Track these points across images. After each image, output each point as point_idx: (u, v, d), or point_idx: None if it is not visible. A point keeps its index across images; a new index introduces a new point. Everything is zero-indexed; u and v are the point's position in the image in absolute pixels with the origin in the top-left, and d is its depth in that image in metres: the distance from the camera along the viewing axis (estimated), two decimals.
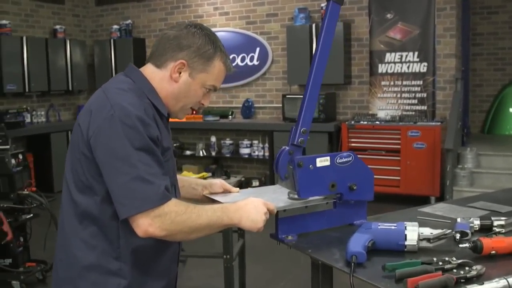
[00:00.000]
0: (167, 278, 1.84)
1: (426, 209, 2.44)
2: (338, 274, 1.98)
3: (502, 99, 8.57)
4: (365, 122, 7.27)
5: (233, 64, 8.23)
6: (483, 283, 1.49)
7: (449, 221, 2.20)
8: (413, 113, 7.29)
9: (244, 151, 8.37)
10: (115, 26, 9.32)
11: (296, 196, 2.03)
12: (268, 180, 8.07)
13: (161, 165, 1.67)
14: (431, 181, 6.77)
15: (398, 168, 6.92)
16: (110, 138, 1.61)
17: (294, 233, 2.01)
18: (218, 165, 8.55)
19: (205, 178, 4.43)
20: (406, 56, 7.28)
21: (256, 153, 8.28)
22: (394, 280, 1.59)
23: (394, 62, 7.36)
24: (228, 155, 8.52)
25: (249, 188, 2.27)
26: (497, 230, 2.04)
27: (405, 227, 1.83)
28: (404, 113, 7.35)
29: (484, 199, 2.59)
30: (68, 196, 1.73)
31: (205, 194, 2.13)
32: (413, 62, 7.25)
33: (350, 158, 2.06)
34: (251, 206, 1.77)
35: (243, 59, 8.52)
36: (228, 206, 1.76)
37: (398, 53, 7.33)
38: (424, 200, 6.78)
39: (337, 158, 2.03)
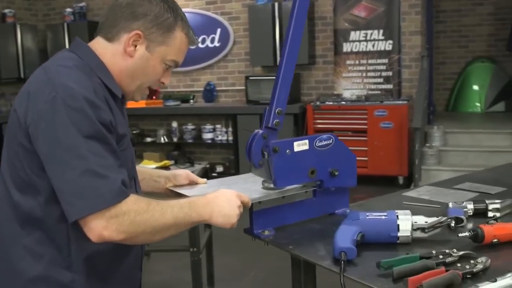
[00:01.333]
0: (129, 287, 1.59)
1: (411, 193, 2.25)
2: (321, 271, 1.78)
3: (466, 77, 8.50)
4: (331, 103, 7.09)
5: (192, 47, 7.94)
6: (495, 280, 1.29)
7: (439, 206, 2.01)
8: (379, 92, 7.15)
9: (207, 136, 8.11)
10: (68, 9, 8.88)
11: (271, 186, 1.81)
12: (232, 166, 7.85)
13: (116, 155, 1.41)
14: (398, 161, 6.66)
15: (366, 148, 6.78)
16: (53, 125, 1.34)
17: (271, 227, 1.79)
18: (180, 151, 8.28)
19: (167, 167, 4.17)
20: (371, 34, 7.12)
21: (220, 137, 8.03)
22: (392, 279, 1.39)
23: (359, 41, 7.20)
24: (190, 141, 8.24)
25: (217, 179, 2.03)
26: (492, 214, 1.87)
27: (397, 216, 1.63)
28: (370, 92, 7.20)
29: (469, 179, 2.41)
30: (6, 196, 1.45)
31: (168, 187, 1.88)
32: (378, 40, 7.10)
33: (331, 141, 1.84)
34: (223, 199, 1.54)
35: (203, 41, 8.21)
36: (196, 201, 1.52)
37: (363, 31, 7.16)
38: (392, 180, 6.69)
39: (316, 141, 1.81)
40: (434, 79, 8.46)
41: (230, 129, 7.85)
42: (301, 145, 1.78)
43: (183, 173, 1.91)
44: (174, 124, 8.23)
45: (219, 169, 7.94)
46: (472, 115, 8.34)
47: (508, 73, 8.47)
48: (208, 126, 8.09)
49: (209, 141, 8.12)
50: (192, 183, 1.92)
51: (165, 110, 8.16)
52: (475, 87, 8.44)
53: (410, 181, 6.67)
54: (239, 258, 4.62)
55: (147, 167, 1.97)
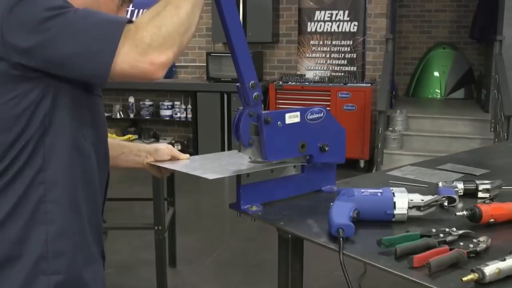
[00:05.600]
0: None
1: (395, 172, 2.20)
2: (308, 248, 1.71)
3: (427, 62, 8.56)
4: (294, 83, 7.02)
5: None
6: (504, 259, 1.24)
7: (426, 186, 1.97)
8: (342, 74, 7.11)
9: (165, 112, 7.91)
10: None
11: (259, 159, 1.71)
12: (191, 144, 7.70)
13: None
14: (360, 144, 6.65)
15: None
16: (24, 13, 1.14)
17: (258, 202, 1.70)
18: (137, 128, 8.08)
19: (131, 141, 4.01)
20: (336, 14, 7.05)
21: (178, 115, 7.85)
22: (394, 257, 1.32)
23: (324, 21, 7.12)
24: (147, 117, 8.02)
25: (200, 155, 1.93)
26: (482, 195, 1.83)
27: (393, 193, 1.56)
28: (333, 74, 7.15)
29: (450, 161, 2.38)
30: None
31: (149, 162, 1.75)
32: (343, 21, 7.03)
33: (322, 114, 1.77)
34: None
35: None
36: None
37: (328, 12, 7.08)
38: (353, 163, 6.67)
39: (308, 114, 1.72)
40: (395, 64, 8.48)
41: (189, 106, 7.68)
42: (292, 117, 1.69)
43: (165, 148, 1.77)
44: (131, 100, 8.00)
45: (177, 147, 7.77)
46: (433, 101, 8.42)
47: (468, 60, 8.57)
48: (167, 103, 7.89)
49: (167, 118, 7.93)
50: (174, 159, 1.80)
51: (121, 84, 7.85)
52: (436, 73, 8.52)
53: (370, 165, 6.68)
54: (202, 238, 4.52)
55: (124, 141, 1.80)
